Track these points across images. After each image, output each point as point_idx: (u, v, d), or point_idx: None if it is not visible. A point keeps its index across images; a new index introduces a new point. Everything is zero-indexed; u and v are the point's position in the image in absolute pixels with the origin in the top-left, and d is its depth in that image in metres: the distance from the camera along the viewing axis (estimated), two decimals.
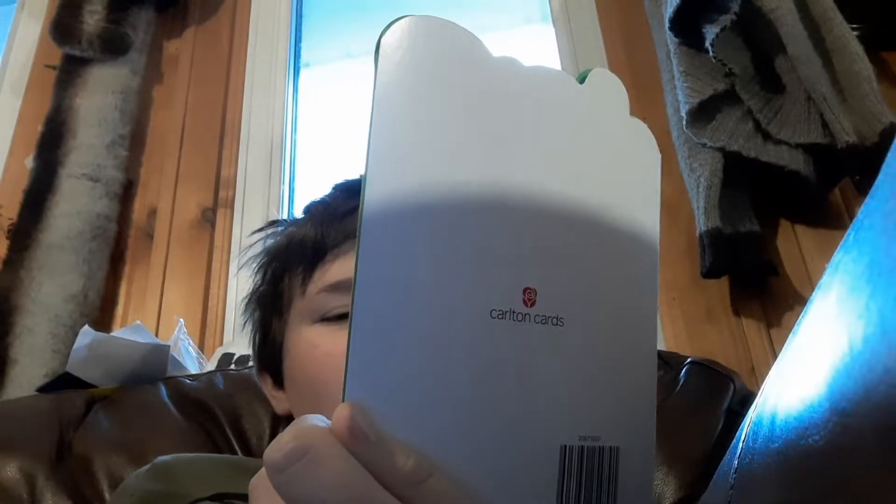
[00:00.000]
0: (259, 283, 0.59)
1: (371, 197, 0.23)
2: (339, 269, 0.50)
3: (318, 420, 0.23)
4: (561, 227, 0.27)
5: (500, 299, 0.25)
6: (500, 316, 0.25)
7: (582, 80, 0.29)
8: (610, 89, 0.30)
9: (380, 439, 0.23)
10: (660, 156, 0.31)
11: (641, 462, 0.29)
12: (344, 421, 0.22)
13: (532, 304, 0.26)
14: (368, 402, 0.23)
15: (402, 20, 0.24)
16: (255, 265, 0.59)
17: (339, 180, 0.59)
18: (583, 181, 0.28)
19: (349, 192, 0.56)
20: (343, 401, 0.23)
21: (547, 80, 0.28)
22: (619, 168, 0.29)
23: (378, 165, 0.24)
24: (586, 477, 0.27)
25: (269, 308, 0.57)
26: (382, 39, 0.24)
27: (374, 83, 0.24)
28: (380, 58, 0.24)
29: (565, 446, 0.26)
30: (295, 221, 0.58)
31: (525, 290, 0.26)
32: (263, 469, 0.23)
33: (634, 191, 0.30)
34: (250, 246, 0.60)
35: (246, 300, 0.60)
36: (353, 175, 0.58)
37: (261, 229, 0.61)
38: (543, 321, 0.26)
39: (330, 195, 0.58)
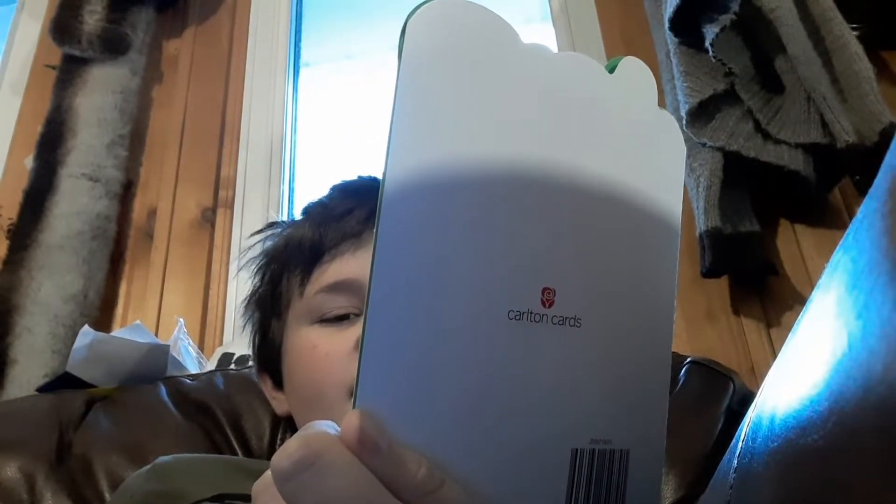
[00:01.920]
0: (258, 284, 0.59)
1: (391, 179, 0.23)
2: (336, 269, 0.50)
3: (327, 427, 0.22)
4: (584, 219, 0.26)
5: (518, 300, 0.24)
6: (518, 317, 0.24)
7: (612, 68, 0.28)
8: (639, 79, 0.29)
9: (391, 448, 0.22)
10: (685, 149, 0.30)
11: (651, 465, 0.28)
12: (354, 430, 0.22)
13: (550, 305, 0.25)
14: (380, 408, 0.22)
15: (431, 3, 0.24)
16: (253, 267, 0.59)
17: (338, 181, 0.59)
18: (608, 171, 0.27)
19: (347, 193, 0.56)
20: (354, 406, 0.22)
21: (576, 68, 0.27)
22: (646, 159, 0.28)
23: (399, 147, 0.23)
24: (596, 481, 0.26)
25: (268, 309, 0.57)
26: (409, 21, 0.23)
27: (399, 65, 0.23)
28: (406, 39, 0.23)
29: (576, 450, 0.26)
30: (293, 223, 0.58)
31: (544, 290, 0.25)
32: (268, 474, 0.22)
33: (659, 183, 0.29)
34: (249, 248, 0.60)
35: (245, 302, 0.60)
36: (352, 176, 0.59)
37: (259, 231, 0.61)
38: (561, 322, 0.25)
39: (328, 196, 0.58)
